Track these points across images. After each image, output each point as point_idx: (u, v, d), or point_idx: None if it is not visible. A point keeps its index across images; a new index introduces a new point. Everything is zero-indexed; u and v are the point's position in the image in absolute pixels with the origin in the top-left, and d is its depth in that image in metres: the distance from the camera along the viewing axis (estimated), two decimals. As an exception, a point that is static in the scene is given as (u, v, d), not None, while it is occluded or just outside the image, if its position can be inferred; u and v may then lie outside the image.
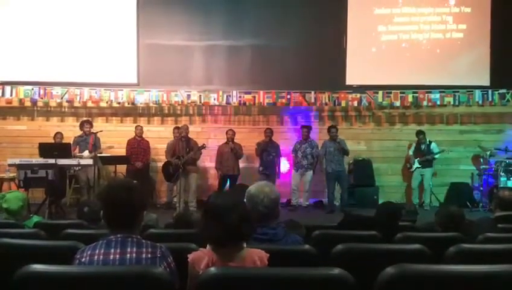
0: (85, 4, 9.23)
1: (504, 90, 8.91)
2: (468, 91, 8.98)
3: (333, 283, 1.57)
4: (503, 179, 8.30)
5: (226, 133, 8.61)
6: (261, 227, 2.39)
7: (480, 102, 9.07)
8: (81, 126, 8.52)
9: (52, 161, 6.86)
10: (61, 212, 7.35)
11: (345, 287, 1.55)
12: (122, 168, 8.36)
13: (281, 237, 2.44)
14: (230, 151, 8.43)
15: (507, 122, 9.25)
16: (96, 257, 1.91)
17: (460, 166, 9.23)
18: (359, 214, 4.37)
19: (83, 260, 1.92)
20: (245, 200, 2.45)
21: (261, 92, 9.05)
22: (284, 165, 9.03)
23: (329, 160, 8.36)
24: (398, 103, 9.19)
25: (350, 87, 9.14)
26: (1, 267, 2.07)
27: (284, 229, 2.51)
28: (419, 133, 8.80)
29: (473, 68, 9.08)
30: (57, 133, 8.73)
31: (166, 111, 9.56)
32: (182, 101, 9.23)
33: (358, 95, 9.06)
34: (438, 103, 9.06)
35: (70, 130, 9.07)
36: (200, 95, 9.10)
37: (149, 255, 1.94)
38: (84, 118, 8.88)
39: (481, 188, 8.73)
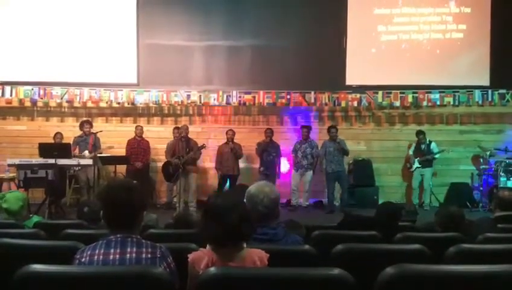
0: (85, 4, 9.23)
1: (504, 91, 8.91)
2: (468, 91, 8.98)
3: (333, 283, 1.57)
4: (503, 179, 8.30)
5: (226, 133, 8.62)
6: (261, 227, 2.39)
7: (480, 102, 9.07)
8: (81, 126, 8.52)
9: (52, 161, 6.85)
10: (61, 213, 7.35)
11: (345, 288, 1.55)
12: (122, 169, 8.36)
13: (281, 237, 2.44)
14: (230, 152, 8.44)
15: (507, 122, 9.25)
16: (96, 257, 1.91)
17: (460, 166, 9.23)
18: (359, 214, 4.37)
19: (83, 260, 1.92)
20: (245, 200, 2.45)
21: (261, 92, 9.05)
22: (284, 165, 9.03)
23: (329, 160, 8.36)
24: (398, 103, 9.19)
25: (350, 87, 9.14)
26: (1, 267, 2.07)
27: (284, 230, 2.51)
28: (419, 133, 8.80)
29: (473, 68, 9.08)
30: (57, 133, 8.73)
31: (166, 111, 9.56)
32: (182, 101, 9.23)
33: (358, 95, 9.06)
34: (438, 103, 9.06)
35: (70, 130, 9.07)
36: (200, 95, 9.10)
37: (149, 255, 1.94)
38: (84, 118, 8.88)
39: (481, 188, 8.73)
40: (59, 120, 9.50)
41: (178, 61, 9.23)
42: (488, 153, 8.67)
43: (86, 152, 8.17)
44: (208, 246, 2.09)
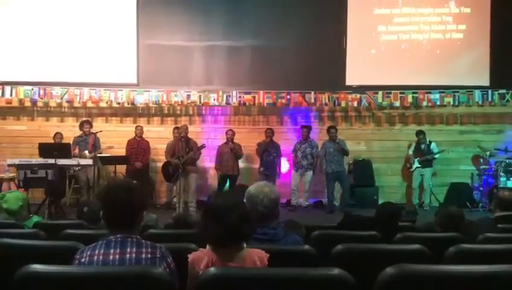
0: (85, 4, 9.23)
1: (504, 91, 8.90)
2: (468, 91, 8.98)
3: (333, 283, 1.57)
4: (502, 179, 8.30)
5: (226, 133, 8.62)
6: (261, 227, 2.39)
7: (480, 102, 9.06)
8: (81, 126, 8.52)
9: (51, 161, 6.85)
10: (61, 213, 7.35)
11: (345, 288, 1.55)
12: (122, 169, 8.36)
13: (281, 237, 2.44)
14: (230, 152, 8.43)
15: (507, 122, 9.25)
16: (95, 257, 1.91)
17: (460, 166, 9.23)
18: (359, 215, 4.37)
19: (83, 260, 1.92)
20: (245, 200, 2.45)
21: (261, 92, 9.05)
22: (284, 166, 9.03)
23: (329, 160, 8.35)
24: (397, 103, 9.19)
25: (350, 87, 9.14)
26: (1, 267, 2.07)
27: (283, 230, 2.51)
28: (419, 133, 8.81)
29: (473, 68, 9.08)
30: (57, 133, 8.73)
31: (166, 111, 9.56)
32: (182, 102, 9.22)
33: (358, 96, 9.06)
34: (438, 103, 9.05)
35: (70, 130, 9.07)
36: (200, 95, 9.10)
37: (149, 256, 1.94)
38: (84, 118, 8.87)
39: (481, 189, 8.73)
40: (59, 120, 9.50)
41: (178, 62, 9.23)
42: (488, 153, 8.66)
43: (86, 152, 8.17)
44: (207, 246, 2.09)
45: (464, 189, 8.89)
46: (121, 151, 8.63)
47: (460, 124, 9.35)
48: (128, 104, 9.32)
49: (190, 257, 2.06)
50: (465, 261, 2.08)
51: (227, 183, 8.53)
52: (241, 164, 8.82)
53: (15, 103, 9.37)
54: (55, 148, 7.55)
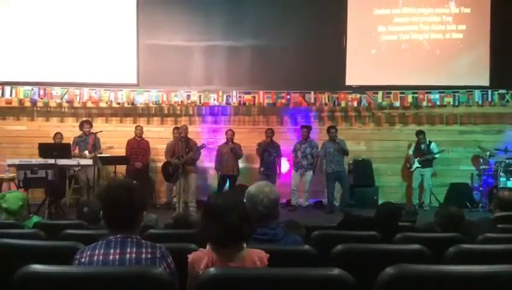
0: (85, 4, 9.23)
1: (504, 91, 8.91)
2: (467, 91, 8.98)
3: (333, 283, 1.57)
4: (502, 179, 8.30)
5: (226, 133, 8.62)
6: (260, 227, 2.39)
7: (480, 102, 9.07)
8: (81, 126, 8.52)
9: (51, 161, 6.85)
10: (61, 213, 7.35)
11: (345, 288, 1.55)
12: (122, 169, 8.36)
13: (281, 237, 2.44)
14: (229, 152, 8.44)
15: (507, 122, 9.25)
16: (95, 257, 1.91)
17: (460, 166, 9.23)
18: (359, 215, 4.37)
19: (83, 260, 1.92)
20: (245, 200, 2.45)
21: (261, 92, 9.05)
22: (284, 166, 9.03)
23: (329, 160, 8.35)
24: (397, 103, 9.19)
25: (350, 87, 9.14)
26: (1, 267, 2.07)
27: (283, 230, 2.51)
28: (419, 133, 8.81)
29: (473, 68, 9.08)
30: (57, 133, 8.72)
31: (166, 111, 9.56)
32: (182, 102, 9.23)
33: (358, 96, 9.06)
34: (438, 103, 9.06)
35: (70, 130, 9.07)
36: (200, 96, 9.10)
37: (149, 256, 1.94)
38: (84, 118, 8.87)
39: (481, 189, 8.73)
40: (59, 120, 9.50)
41: (178, 62, 9.23)
42: (488, 153, 8.66)
43: (86, 152, 8.17)
44: (207, 246, 2.09)
45: (464, 189, 8.90)
46: (121, 152, 8.63)
47: (460, 124, 9.35)
48: (128, 104, 9.32)
49: (190, 257, 2.06)
50: (465, 262, 2.08)
51: (227, 184, 8.53)
52: (241, 164, 8.83)
53: (15, 103, 9.36)
54: (55, 149, 7.55)
